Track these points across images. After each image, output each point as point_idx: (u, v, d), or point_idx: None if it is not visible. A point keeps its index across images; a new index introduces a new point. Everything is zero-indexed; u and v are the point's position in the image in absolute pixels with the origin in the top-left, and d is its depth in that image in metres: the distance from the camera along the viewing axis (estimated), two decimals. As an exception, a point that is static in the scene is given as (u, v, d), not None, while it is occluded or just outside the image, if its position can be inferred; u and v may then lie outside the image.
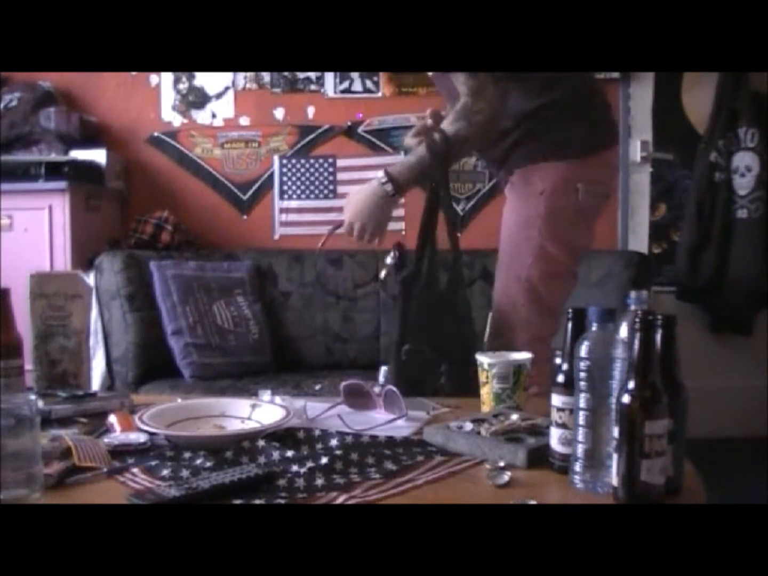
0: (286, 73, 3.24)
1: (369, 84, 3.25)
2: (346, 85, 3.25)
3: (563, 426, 1.04)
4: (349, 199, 1.68)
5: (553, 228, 1.65)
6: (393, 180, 1.60)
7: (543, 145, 1.64)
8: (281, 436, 1.19)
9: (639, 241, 3.27)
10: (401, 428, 1.27)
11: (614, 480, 0.93)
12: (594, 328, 0.99)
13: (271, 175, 3.27)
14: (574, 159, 1.64)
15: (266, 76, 3.25)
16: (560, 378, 1.06)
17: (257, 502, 0.95)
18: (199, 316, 2.63)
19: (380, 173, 1.63)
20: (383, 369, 1.73)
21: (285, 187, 3.27)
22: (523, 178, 1.67)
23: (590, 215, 1.72)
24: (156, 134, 3.27)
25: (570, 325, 1.08)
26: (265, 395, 1.45)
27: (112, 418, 1.26)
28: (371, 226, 1.63)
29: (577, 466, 0.99)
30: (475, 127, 1.58)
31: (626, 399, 0.91)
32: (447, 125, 1.60)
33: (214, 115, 3.27)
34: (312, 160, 3.25)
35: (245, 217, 3.29)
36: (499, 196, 3.34)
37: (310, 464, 1.06)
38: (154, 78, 3.26)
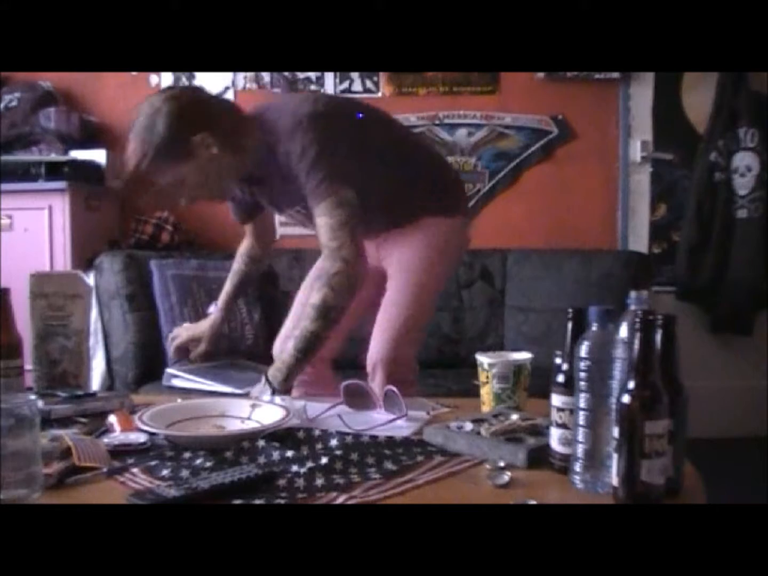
0: (286, 73, 3.24)
1: (369, 84, 3.25)
2: (346, 85, 3.25)
3: (563, 426, 1.04)
4: None
5: (440, 265, 1.79)
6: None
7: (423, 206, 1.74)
8: (281, 436, 1.19)
9: (639, 241, 3.27)
10: (401, 428, 1.27)
11: (614, 480, 0.93)
12: (594, 328, 0.99)
13: (272, 175, 3.27)
14: (450, 216, 1.78)
15: (266, 76, 3.24)
16: (560, 378, 1.06)
17: (257, 502, 0.95)
18: (197, 317, 2.60)
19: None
20: None
21: (285, 187, 3.27)
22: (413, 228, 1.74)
23: (453, 269, 1.86)
24: (156, 134, 3.26)
25: (570, 325, 1.08)
26: (265, 395, 1.45)
27: (112, 418, 1.26)
28: None
29: (577, 466, 0.99)
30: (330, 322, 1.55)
31: (626, 399, 0.91)
32: (308, 323, 1.53)
33: (214, 115, 3.26)
34: (312, 160, 3.24)
35: (245, 216, 3.28)
36: (499, 196, 3.38)
37: (310, 464, 1.06)
38: (154, 78, 3.26)
